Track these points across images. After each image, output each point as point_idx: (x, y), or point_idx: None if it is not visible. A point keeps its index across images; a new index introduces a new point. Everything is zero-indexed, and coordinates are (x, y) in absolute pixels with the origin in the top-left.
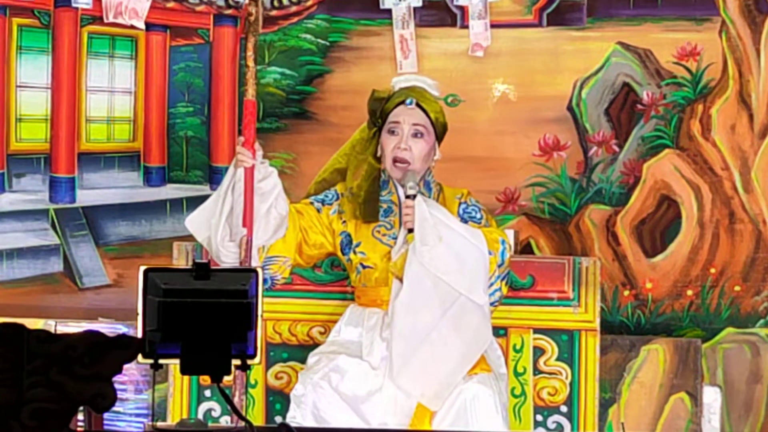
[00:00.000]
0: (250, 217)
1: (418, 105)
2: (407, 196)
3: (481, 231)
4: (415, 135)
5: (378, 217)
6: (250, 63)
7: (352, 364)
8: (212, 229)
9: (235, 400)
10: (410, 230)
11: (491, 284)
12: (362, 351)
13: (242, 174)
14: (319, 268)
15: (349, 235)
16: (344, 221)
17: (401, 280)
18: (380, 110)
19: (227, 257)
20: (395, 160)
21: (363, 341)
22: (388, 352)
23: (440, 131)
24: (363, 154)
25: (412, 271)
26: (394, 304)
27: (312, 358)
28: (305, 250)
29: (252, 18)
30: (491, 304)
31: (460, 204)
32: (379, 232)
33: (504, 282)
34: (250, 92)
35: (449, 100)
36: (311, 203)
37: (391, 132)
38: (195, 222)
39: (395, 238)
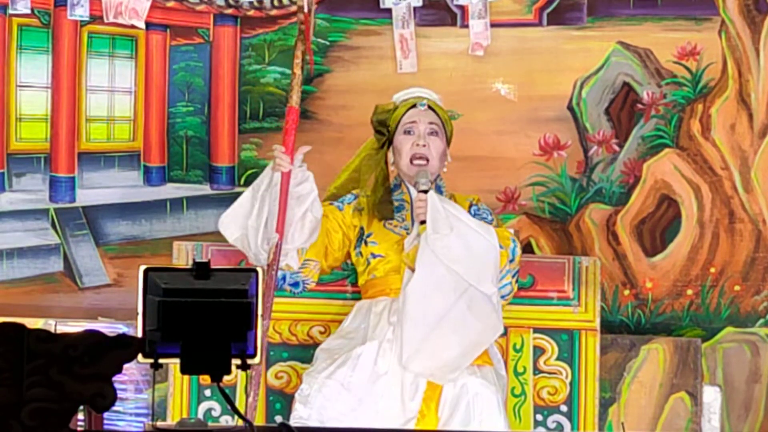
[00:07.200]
0: (282, 220)
1: (429, 108)
2: (421, 191)
3: (492, 228)
4: (431, 133)
5: (392, 215)
6: (297, 70)
7: (356, 353)
8: (250, 230)
9: (249, 400)
10: (423, 222)
11: (501, 278)
12: (368, 333)
13: (279, 178)
14: None
15: (362, 228)
16: (361, 217)
17: (414, 271)
18: (389, 119)
19: (266, 260)
20: (414, 157)
21: (370, 324)
22: (394, 335)
23: (449, 135)
24: (374, 159)
25: (425, 258)
26: (406, 291)
27: (318, 354)
28: (330, 253)
29: (303, 27)
30: (501, 297)
31: (470, 206)
32: (390, 224)
33: (514, 279)
34: (294, 99)
35: (448, 114)
36: (331, 203)
37: (408, 132)
38: (226, 221)
39: (407, 229)
